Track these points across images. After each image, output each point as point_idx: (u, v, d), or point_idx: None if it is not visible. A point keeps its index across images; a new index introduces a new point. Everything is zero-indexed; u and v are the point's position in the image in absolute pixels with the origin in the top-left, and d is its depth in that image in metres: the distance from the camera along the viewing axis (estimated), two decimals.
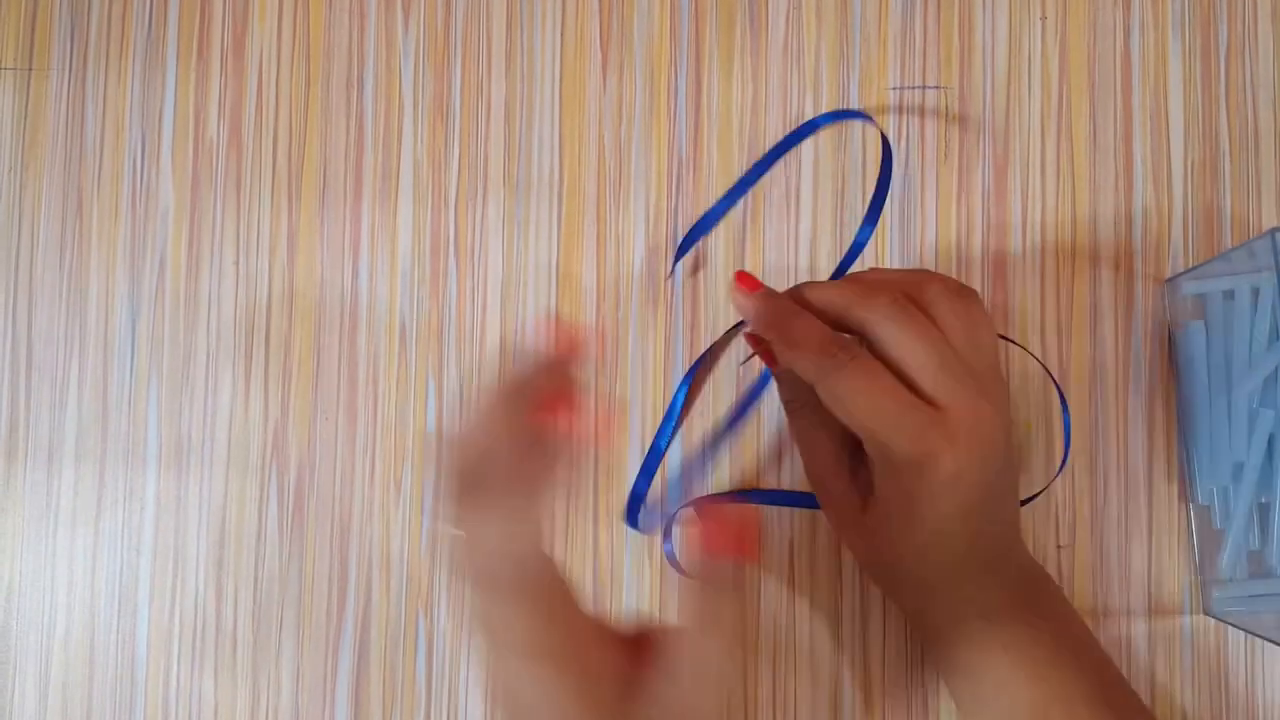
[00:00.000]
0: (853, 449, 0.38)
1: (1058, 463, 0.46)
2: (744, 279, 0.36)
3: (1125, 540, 0.46)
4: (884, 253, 0.47)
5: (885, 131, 0.47)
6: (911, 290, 0.36)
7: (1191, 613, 0.46)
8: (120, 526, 0.47)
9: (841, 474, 0.38)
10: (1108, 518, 0.46)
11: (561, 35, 0.48)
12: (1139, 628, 0.46)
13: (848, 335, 0.36)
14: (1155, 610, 0.46)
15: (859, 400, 0.34)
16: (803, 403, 0.38)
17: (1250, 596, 0.44)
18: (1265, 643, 0.46)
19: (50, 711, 0.46)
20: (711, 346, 0.46)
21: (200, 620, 0.46)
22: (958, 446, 0.34)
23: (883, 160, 0.44)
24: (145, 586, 0.47)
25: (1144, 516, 0.46)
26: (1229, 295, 0.45)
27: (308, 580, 0.46)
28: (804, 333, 0.35)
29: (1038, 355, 0.46)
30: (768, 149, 0.47)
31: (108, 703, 0.46)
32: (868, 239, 0.43)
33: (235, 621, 0.46)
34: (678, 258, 0.46)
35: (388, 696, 0.46)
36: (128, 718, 0.46)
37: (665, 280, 0.46)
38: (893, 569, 0.39)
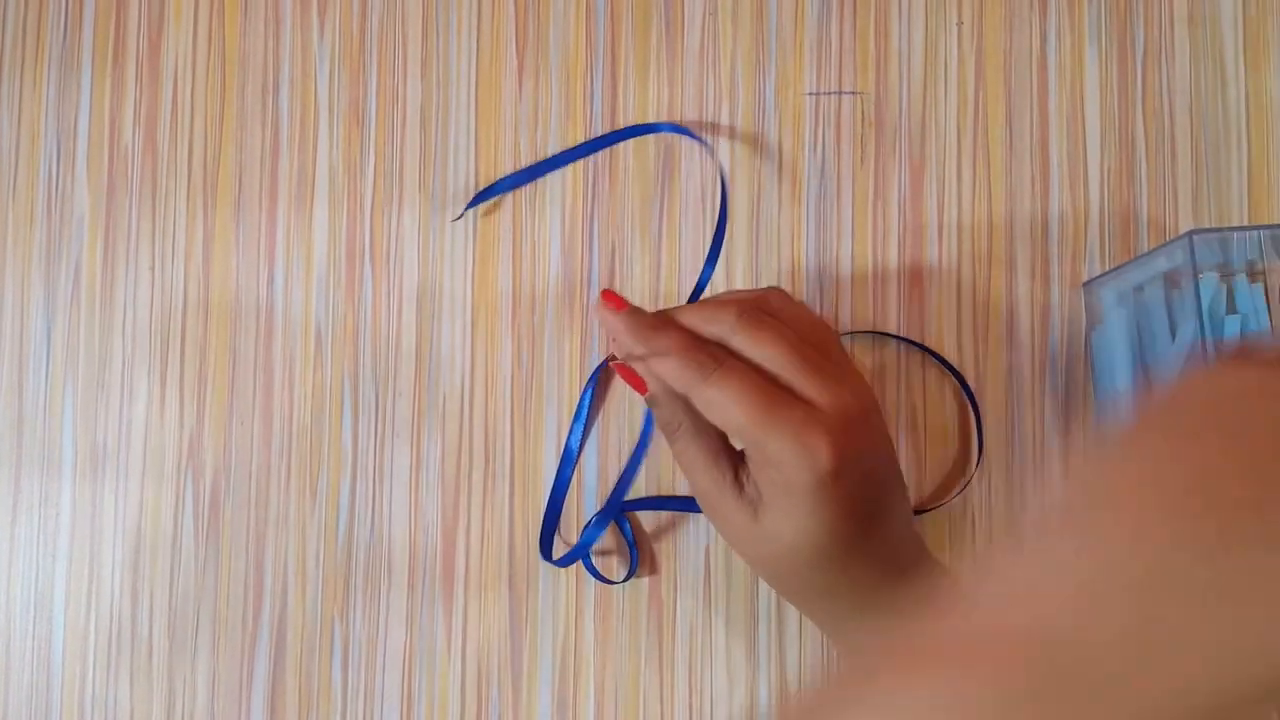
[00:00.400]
0: (736, 462, 0.38)
1: (973, 466, 0.46)
2: (610, 297, 0.37)
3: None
4: (800, 257, 0.47)
5: (803, 136, 0.47)
6: (756, 302, 0.37)
7: None
8: (35, 533, 0.47)
9: (727, 488, 0.37)
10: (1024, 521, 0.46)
11: (477, 41, 0.48)
12: None
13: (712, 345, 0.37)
14: None
15: (732, 403, 0.34)
16: (679, 423, 0.38)
17: None
18: None
19: None
20: (598, 368, 0.46)
21: (116, 626, 0.46)
22: (834, 434, 0.34)
23: (720, 197, 0.45)
24: (60, 593, 0.47)
25: None
26: (1141, 296, 0.45)
27: (223, 586, 0.46)
28: (671, 343, 0.36)
29: (952, 360, 0.46)
30: (682, 154, 0.47)
31: (23, 709, 0.46)
32: (708, 279, 0.44)
33: (151, 627, 0.46)
34: (470, 205, 0.47)
35: (304, 702, 0.46)
36: None
37: (453, 222, 0.46)
38: (793, 577, 0.38)
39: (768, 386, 0.35)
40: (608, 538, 0.46)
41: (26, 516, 0.47)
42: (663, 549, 0.46)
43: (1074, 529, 0.22)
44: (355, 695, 0.46)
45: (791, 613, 0.46)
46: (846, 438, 0.34)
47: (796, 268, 0.47)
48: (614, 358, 0.39)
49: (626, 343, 0.37)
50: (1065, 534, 0.22)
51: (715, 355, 0.35)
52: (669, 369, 0.35)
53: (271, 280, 0.47)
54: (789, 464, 0.34)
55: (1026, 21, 0.48)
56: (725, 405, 0.35)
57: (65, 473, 0.47)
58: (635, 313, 0.37)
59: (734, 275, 0.47)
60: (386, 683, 0.46)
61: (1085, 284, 0.47)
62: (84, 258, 0.48)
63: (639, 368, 0.37)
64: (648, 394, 0.38)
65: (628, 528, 0.46)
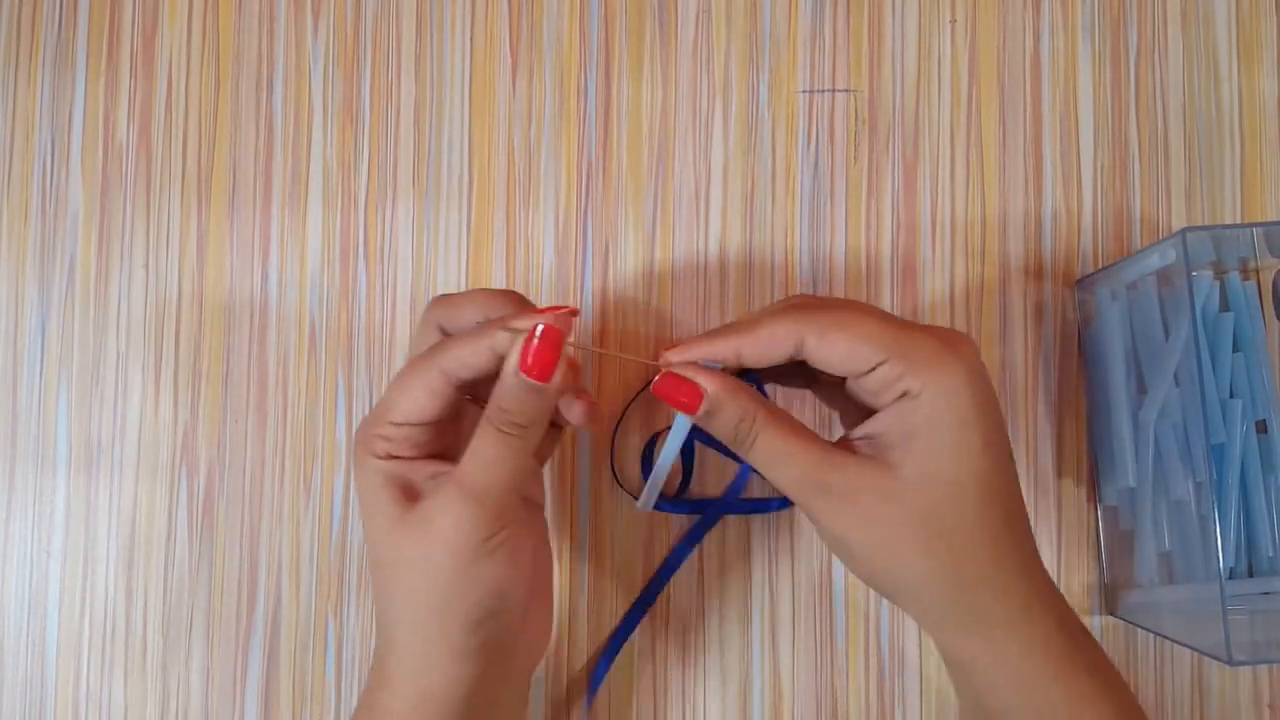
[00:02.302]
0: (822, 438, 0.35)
1: None
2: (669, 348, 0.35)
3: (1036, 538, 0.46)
4: (794, 255, 0.47)
5: (796, 134, 0.48)
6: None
7: (1101, 613, 0.46)
8: (30, 529, 0.47)
9: (838, 457, 0.33)
10: None
11: (471, 38, 0.48)
12: None
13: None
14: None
15: (867, 319, 0.33)
16: (753, 417, 0.34)
17: (1156, 601, 0.45)
18: (1171, 644, 0.46)
19: None
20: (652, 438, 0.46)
21: (110, 622, 0.46)
22: (969, 343, 0.33)
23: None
24: (55, 589, 0.47)
25: (1053, 516, 0.46)
26: (1135, 294, 0.45)
27: (217, 582, 0.46)
28: (762, 316, 0.34)
29: None
30: (676, 151, 0.47)
31: (17, 705, 0.46)
32: None
33: (145, 624, 0.46)
34: (592, 690, 0.45)
35: (297, 698, 0.46)
36: None
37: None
38: (941, 534, 0.32)
39: (890, 316, 0.34)
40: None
41: (21, 512, 0.47)
42: (657, 545, 0.46)
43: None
44: (349, 692, 0.46)
45: (785, 610, 0.46)
46: (975, 349, 0.33)
47: (790, 264, 0.47)
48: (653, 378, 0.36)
49: (698, 349, 0.34)
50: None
51: (822, 299, 0.34)
52: (762, 335, 0.33)
53: (266, 277, 0.47)
54: (939, 375, 0.32)
55: (1020, 20, 0.48)
56: (859, 325, 0.32)
57: (60, 468, 0.47)
58: (703, 336, 0.35)
59: (728, 270, 0.47)
60: None
61: (1078, 281, 0.47)
62: (78, 254, 0.48)
63: (693, 374, 0.34)
64: (705, 403, 0.34)
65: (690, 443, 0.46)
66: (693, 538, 0.46)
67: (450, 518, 0.33)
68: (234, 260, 0.47)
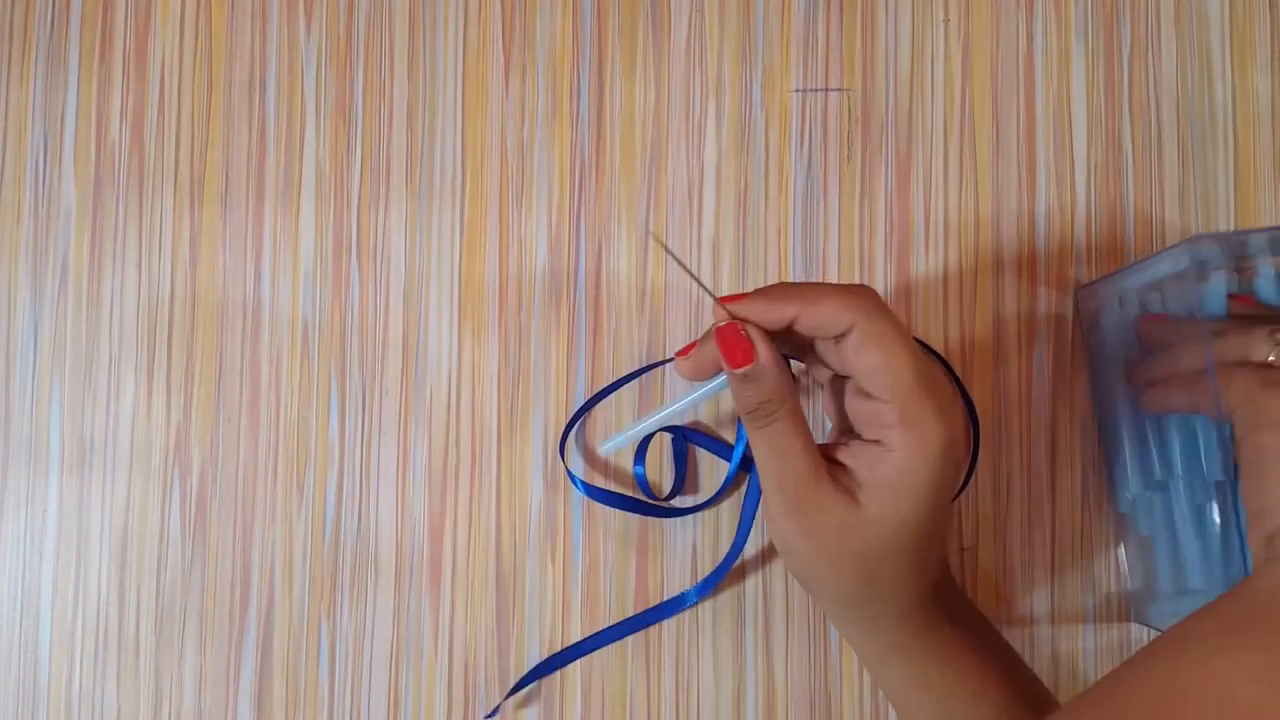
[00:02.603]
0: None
1: (964, 466, 0.46)
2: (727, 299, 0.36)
3: (1029, 543, 0.46)
4: (786, 255, 0.47)
5: (790, 133, 0.47)
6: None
7: (1126, 621, 0.46)
8: (22, 529, 0.47)
9: (823, 476, 0.35)
10: (1011, 519, 0.46)
11: (464, 38, 0.48)
12: (1043, 630, 0.46)
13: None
14: (1058, 612, 0.46)
15: (902, 348, 0.34)
16: (782, 401, 0.35)
17: (1178, 609, 0.44)
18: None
19: None
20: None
21: (103, 623, 0.46)
22: (960, 412, 0.35)
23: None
24: (48, 589, 0.47)
25: (1047, 519, 0.46)
26: (1142, 299, 0.44)
27: (210, 583, 0.46)
28: (817, 289, 0.35)
29: (941, 353, 0.47)
30: (669, 150, 0.47)
31: (10, 705, 0.46)
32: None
33: (138, 624, 0.46)
34: (510, 694, 0.46)
35: (291, 699, 0.46)
36: None
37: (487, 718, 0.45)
38: (882, 568, 0.36)
39: (918, 355, 0.35)
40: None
41: (13, 513, 0.47)
42: (650, 545, 0.46)
43: None
44: (342, 692, 0.46)
45: (779, 610, 0.46)
46: (959, 417, 0.35)
47: (783, 264, 0.47)
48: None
49: (759, 307, 0.35)
50: None
51: (878, 301, 0.35)
52: (823, 310, 0.34)
53: (258, 277, 0.47)
54: (919, 441, 0.34)
55: (1013, 19, 0.48)
56: (897, 359, 0.34)
57: (52, 469, 0.47)
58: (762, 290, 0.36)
59: (720, 271, 0.47)
60: (374, 680, 0.46)
61: (1083, 287, 0.47)
62: (71, 254, 0.48)
63: (755, 336, 0.35)
64: (753, 365, 0.35)
65: (684, 448, 0.46)
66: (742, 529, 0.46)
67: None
68: (227, 260, 0.47)
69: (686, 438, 0.46)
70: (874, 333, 0.34)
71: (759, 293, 0.36)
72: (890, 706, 0.46)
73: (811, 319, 0.35)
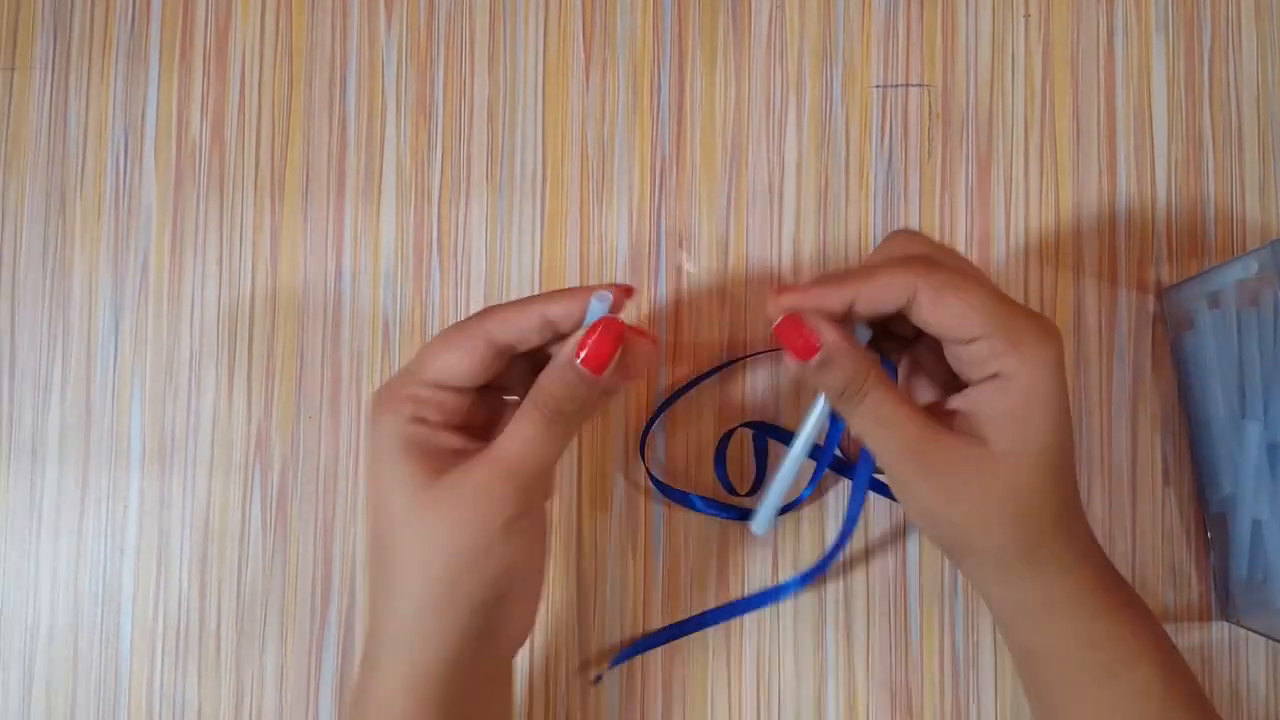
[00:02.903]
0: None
1: None
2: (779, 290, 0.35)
3: (1109, 540, 0.46)
4: (867, 248, 0.47)
5: (870, 129, 0.47)
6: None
7: (1216, 619, 0.46)
8: (104, 526, 0.47)
9: (940, 430, 0.34)
10: (1091, 516, 0.46)
11: (544, 33, 0.48)
12: None
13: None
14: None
15: (979, 293, 0.33)
16: (866, 374, 0.34)
17: (1263, 603, 0.44)
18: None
19: (34, 710, 0.46)
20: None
21: (184, 619, 0.46)
22: (1053, 348, 0.34)
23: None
24: (129, 586, 0.47)
25: (1128, 516, 0.46)
26: (1229, 303, 0.44)
27: (291, 579, 0.46)
28: (876, 267, 0.35)
29: None
30: (750, 146, 0.47)
31: (92, 702, 0.46)
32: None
33: (219, 620, 0.46)
34: (614, 664, 0.46)
35: None
36: (111, 716, 0.46)
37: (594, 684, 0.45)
38: (1031, 510, 0.34)
39: (995, 288, 0.34)
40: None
41: (95, 509, 0.47)
42: (730, 543, 0.46)
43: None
44: None
45: (859, 606, 0.46)
46: (1061, 337, 0.34)
47: (864, 259, 0.47)
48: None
49: (815, 294, 0.34)
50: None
51: (935, 252, 0.34)
52: (880, 282, 0.33)
53: (339, 273, 0.47)
54: (1034, 358, 0.33)
55: (1094, 14, 0.48)
56: (974, 294, 0.33)
57: (133, 465, 0.47)
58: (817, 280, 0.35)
59: (801, 266, 0.47)
60: None
61: (1170, 288, 0.47)
62: (152, 250, 0.48)
63: (815, 321, 0.34)
64: (821, 353, 0.34)
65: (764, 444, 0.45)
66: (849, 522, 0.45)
67: (482, 492, 0.33)
68: (307, 257, 0.47)
69: (769, 435, 0.46)
70: (940, 282, 0.33)
71: (811, 282, 0.35)
72: (973, 703, 0.45)
73: (871, 296, 0.34)
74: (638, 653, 0.45)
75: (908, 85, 0.48)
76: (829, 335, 0.34)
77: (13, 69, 0.48)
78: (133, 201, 0.48)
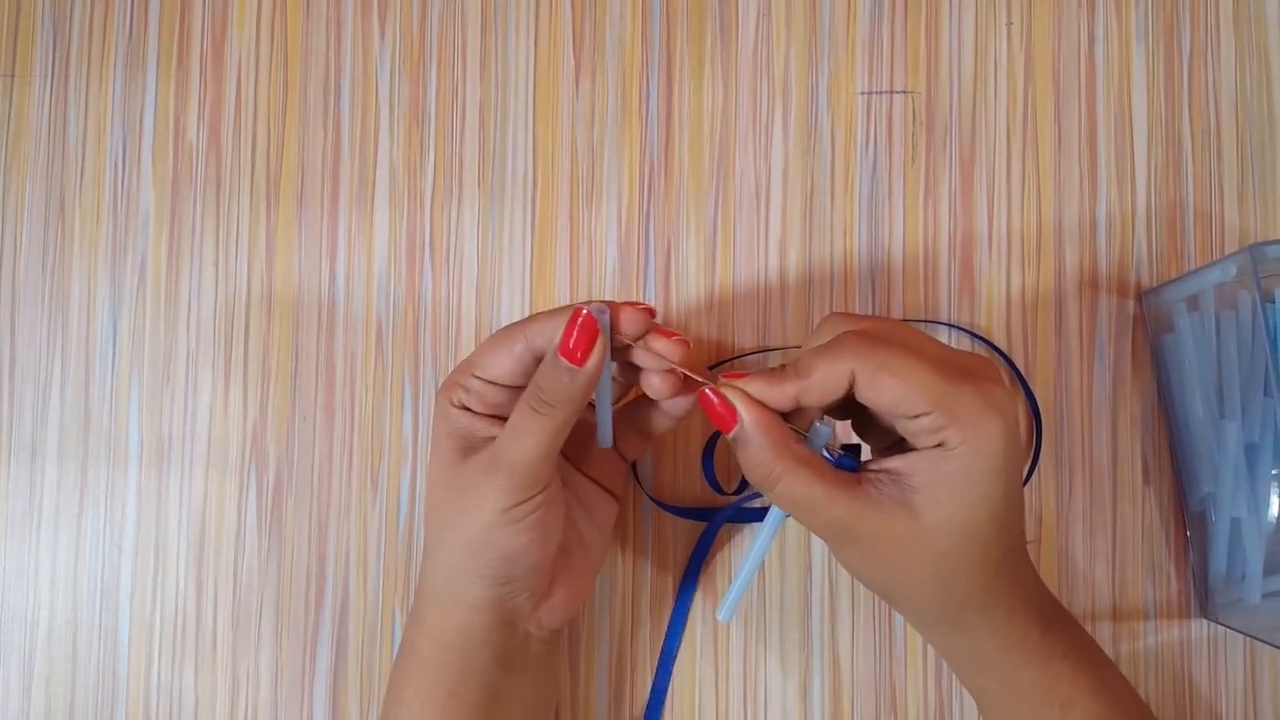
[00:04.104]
0: (850, 481, 0.36)
1: (1027, 460, 0.47)
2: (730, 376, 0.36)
3: (1090, 539, 0.47)
4: (852, 255, 0.48)
5: (855, 135, 0.48)
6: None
7: (1195, 617, 0.47)
8: (102, 524, 0.48)
9: (868, 504, 0.35)
10: (1072, 515, 0.47)
11: (535, 41, 0.49)
12: (1104, 626, 0.47)
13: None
14: (1120, 608, 0.47)
15: (918, 368, 0.34)
16: (788, 455, 0.35)
17: (1241, 600, 0.45)
18: (1265, 650, 0.46)
19: (34, 705, 0.47)
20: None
21: (181, 616, 0.47)
22: (1008, 397, 0.35)
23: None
24: (127, 583, 0.47)
25: (1108, 515, 0.47)
26: (1208, 307, 0.45)
27: (286, 576, 0.47)
28: (832, 347, 0.35)
29: (1004, 350, 0.47)
30: (737, 152, 0.48)
31: (90, 696, 0.47)
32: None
33: (215, 617, 0.47)
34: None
35: (365, 690, 0.47)
36: (109, 711, 0.47)
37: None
38: (959, 575, 0.36)
39: (938, 357, 0.34)
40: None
41: (93, 508, 0.48)
42: (718, 537, 0.47)
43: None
44: None
45: (845, 603, 0.47)
46: (1013, 402, 0.35)
47: (849, 263, 0.48)
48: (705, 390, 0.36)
49: (757, 385, 0.35)
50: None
51: (875, 329, 0.35)
52: (816, 379, 0.34)
53: (334, 275, 0.48)
54: (976, 434, 0.33)
55: (1075, 21, 0.49)
56: (911, 372, 0.33)
57: (131, 465, 0.48)
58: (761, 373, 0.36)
59: (788, 269, 0.48)
60: None
61: (1150, 291, 0.47)
62: (149, 254, 0.48)
63: (736, 400, 0.35)
64: (735, 430, 0.35)
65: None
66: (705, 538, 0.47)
67: (479, 482, 0.37)
68: (302, 260, 0.48)
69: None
70: (876, 366, 0.34)
71: (759, 376, 0.36)
72: (957, 699, 0.46)
73: (812, 393, 0.34)
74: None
75: (892, 92, 0.48)
76: (746, 414, 0.35)
77: (13, 76, 0.49)
78: (131, 205, 0.49)
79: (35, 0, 0.49)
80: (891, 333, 0.35)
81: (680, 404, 0.39)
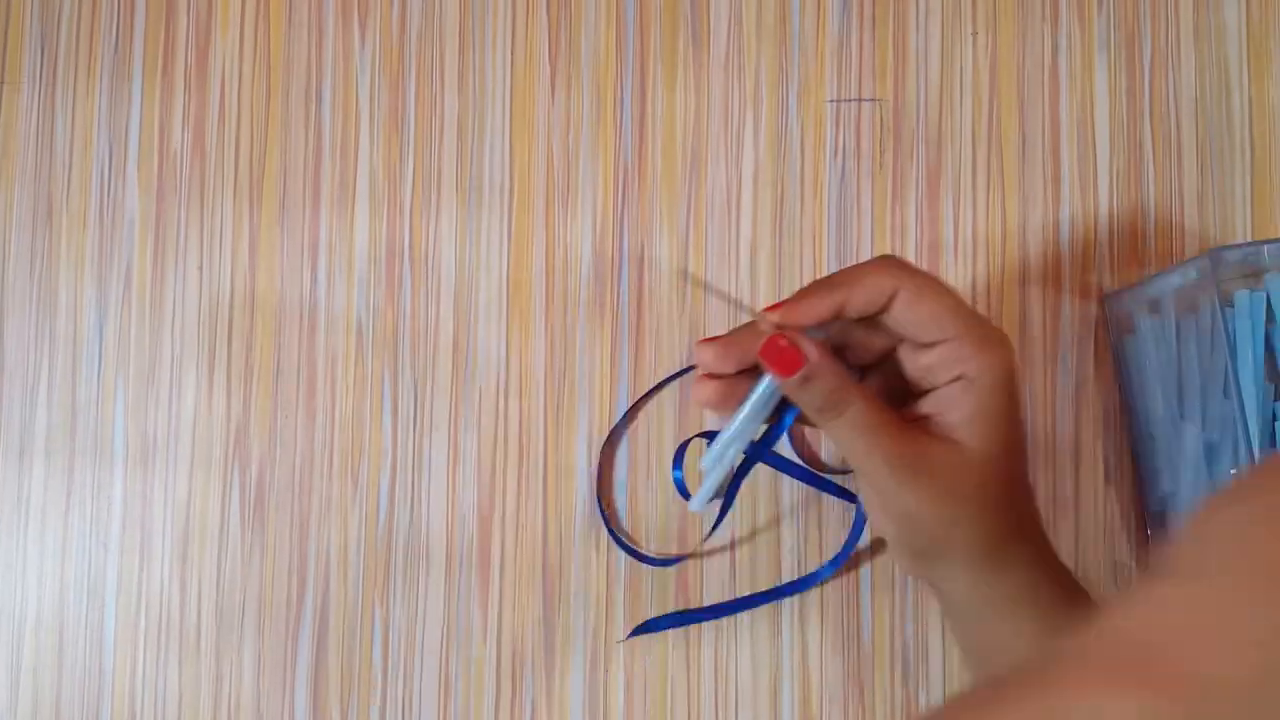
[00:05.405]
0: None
1: None
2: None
3: (1051, 537, 0.48)
4: (821, 260, 0.49)
5: (824, 142, 0.49)
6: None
7: None
8: (88, 522, 0.49)
9: (920, 436, 0.36)
10: None
11: (511, 50, 0.50)
12: None
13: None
14: None
15: (948, 297, 0.36)
16: (848, 387, 0.36)
17: None
18: None
19: (21, 700, 0.48)
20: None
21: (165, 612, 0.48)
22: (1008, 351, 0.36)
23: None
24: (112, 580, 0.49)
25: (1071, 519, 0.48)
26: (1169, 310, 0.46)
27: (268, 573, 0.48)
28: (846, 280, 0.37)
29: None
30: (709, 158, 0.49)
31: (76, 691, 0.48)
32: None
33: (199, 613, 0.48)
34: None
35: (345, 684, 0.48)
36: (95, 706, 0.48)
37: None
38: (1000, 502, 0.37)
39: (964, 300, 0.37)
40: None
41: (79, 506, 0.49)
42: (691, 541, 0.48)
43: (1213, 578, 0.25)
44: (394, 677, 0.48)
45: (814, 602, 0.48)
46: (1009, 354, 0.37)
47: (818, 269, 0.49)
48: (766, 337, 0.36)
49: (802, 308, 0.36)
50: (1204, 581, 0.25)
51: (919, 270, 0.37)
52: (866, 286, 0.36)
53: (315, 279, 0.49)
54: (998, 362, 0.36)
55: (1039, 32, 0.50)
56: (949, 297, 0.36)
57: (117, 464, 0.49)
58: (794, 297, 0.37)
59: (758, 277, 0.49)
60: (424, 666, 0.48)
61: (1112, 294, 0.49)
62: (135, 258, 0.50)
63: (799, 340, 0.36)
64: (807, 366, 0.36)
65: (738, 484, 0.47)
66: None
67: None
68: (284, 263, 0.49)
69: (772, 464, 0.47)
70: (919, 284, 0.36)
71: (797, 295, 0.37)
72: (924, 696, 0.47)
73: (858, 298, 0.36)
74: (657, 628, 0.47)
75: (860, 100, 0.50)
76: (812, 353, 0.36)
77: (2, 83, 0.50)
78: (117, 211, 0.50)
79: (23, 8, 0.51)
80: (929, 274, 0.37)
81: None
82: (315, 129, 0.50)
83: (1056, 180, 0.49)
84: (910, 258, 0.49)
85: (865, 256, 0.49)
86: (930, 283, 0.36)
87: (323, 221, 0.49)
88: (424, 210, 0.49)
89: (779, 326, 0.36)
